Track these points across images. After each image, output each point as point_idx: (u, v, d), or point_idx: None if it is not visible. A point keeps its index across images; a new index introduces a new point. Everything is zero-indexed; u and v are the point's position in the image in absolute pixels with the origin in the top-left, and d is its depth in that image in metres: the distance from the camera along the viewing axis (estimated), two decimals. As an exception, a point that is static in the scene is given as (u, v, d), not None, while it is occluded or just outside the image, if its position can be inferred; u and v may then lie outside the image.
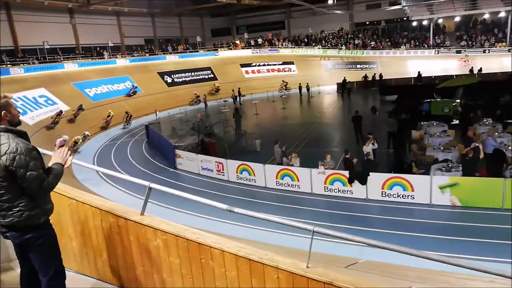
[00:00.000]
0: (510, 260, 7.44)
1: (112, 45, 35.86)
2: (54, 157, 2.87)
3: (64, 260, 3.00)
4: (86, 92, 28.70)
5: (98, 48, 35.66)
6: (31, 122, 20.57)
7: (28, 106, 22.25)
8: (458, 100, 19.80)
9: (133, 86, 32.15)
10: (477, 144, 11.38)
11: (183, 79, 37.25)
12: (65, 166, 2.88)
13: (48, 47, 31.03)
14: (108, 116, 25.88)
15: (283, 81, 38.24)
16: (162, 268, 3.23)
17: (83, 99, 27.62)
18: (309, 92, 35.04)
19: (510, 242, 8.37)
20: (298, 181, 12.76)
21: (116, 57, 35.14)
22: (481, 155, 11.35)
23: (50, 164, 2.81)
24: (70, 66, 30.50)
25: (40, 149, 2.87)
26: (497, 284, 4.79)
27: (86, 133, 21.47)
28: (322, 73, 41.68)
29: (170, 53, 39.39)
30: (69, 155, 2.94)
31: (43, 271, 2.81)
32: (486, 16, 39.87)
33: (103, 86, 30.53)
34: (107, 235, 3.42)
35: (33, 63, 28.49)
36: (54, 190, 2.84)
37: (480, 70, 33.86)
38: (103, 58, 34.05)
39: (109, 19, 38.54)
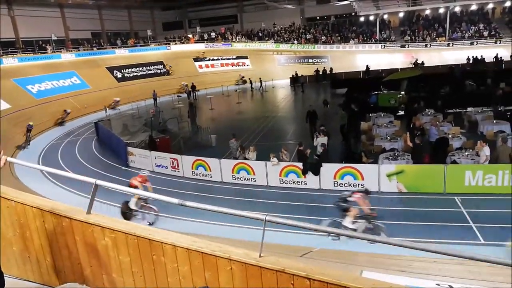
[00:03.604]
0: (453, 241, 8.05)
1: (55, 38, 33.80)
2: None
3: (3, 265, 2.83)
4: (28, 89, 26.97)
5: (40, 42, 33.51)
6: (-34, 122, 19.02)
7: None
8: (403, 92, 20.79)
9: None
10: (418, 132, 12.21)
11: (134, 74, 36.10)
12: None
13: (-17, 41, 28.77)
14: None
15: (239, 75, 38.85)
16: (111, 268, 3.12)
17: (25, 96, 25.94)
18: (262, 86, 35.11)
19: (453, 224, 9.02)
20: (254, 174, 12.85)
21: (61, 52, 33.30)
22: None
23: None
24: (10, 61, 28.55)
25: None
26: (442, 264, 5.13)
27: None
28: (275, 67, 42.08)
29: (120, 47, 37.93)
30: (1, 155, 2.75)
31: (-21, 278, 2.63)
32: (428, 12, 42.36)
33: (47, 82, 28.79)
34: (51, 237, 3.25)
35: (-33, 58, 26.35)
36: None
37: (422, 63, 35.78)
38: (46, 52, 32.17)
39: (52, 11, 36.25)
